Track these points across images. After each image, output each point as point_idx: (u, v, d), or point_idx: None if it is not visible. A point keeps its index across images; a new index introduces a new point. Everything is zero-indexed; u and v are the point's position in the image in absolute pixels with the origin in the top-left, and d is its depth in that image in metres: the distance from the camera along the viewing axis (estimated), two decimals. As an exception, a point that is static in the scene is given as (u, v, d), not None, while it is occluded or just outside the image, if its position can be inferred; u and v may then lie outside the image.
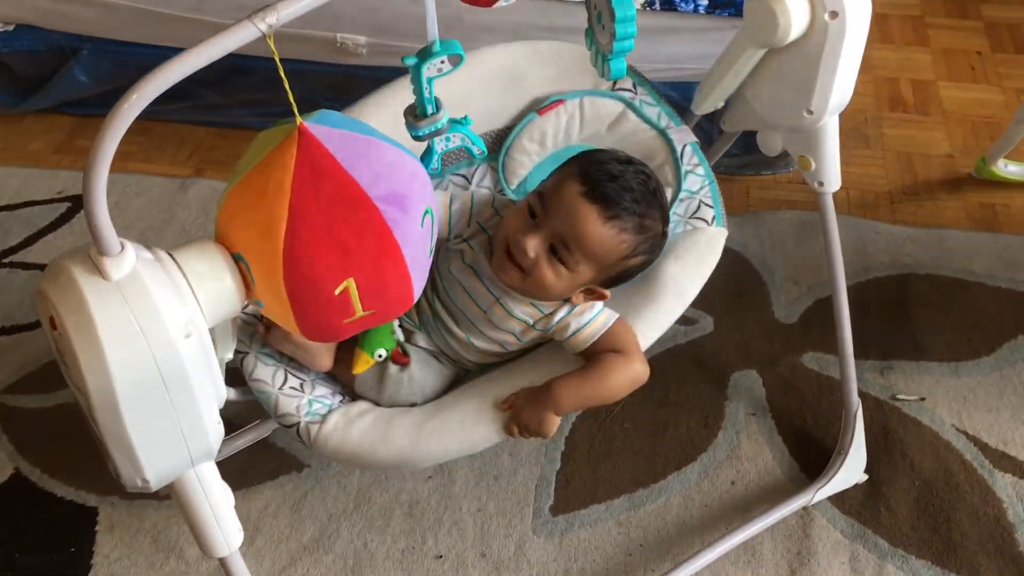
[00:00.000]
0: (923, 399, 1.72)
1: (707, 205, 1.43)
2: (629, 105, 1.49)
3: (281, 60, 2.27)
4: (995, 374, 1.76)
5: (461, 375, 1.37)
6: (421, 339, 1.34)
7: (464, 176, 1.47)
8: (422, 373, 1.30)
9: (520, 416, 1.22)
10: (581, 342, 1.26)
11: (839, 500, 1.58)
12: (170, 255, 0.96)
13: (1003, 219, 2.07)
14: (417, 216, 1.00)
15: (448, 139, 1.09)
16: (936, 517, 1.56)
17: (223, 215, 1.01)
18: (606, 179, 1.25)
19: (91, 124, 2.32)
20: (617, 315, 1.28)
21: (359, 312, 1.01)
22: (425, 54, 1.01)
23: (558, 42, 1.51)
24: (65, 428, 1.69)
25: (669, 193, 1.42)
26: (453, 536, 1.55)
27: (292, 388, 1.28)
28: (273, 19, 0.87)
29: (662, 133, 1.47)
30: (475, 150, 1.11)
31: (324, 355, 1.29)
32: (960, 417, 1.69)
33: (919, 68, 2.47)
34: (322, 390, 1.31)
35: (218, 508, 1.06)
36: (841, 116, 1.39)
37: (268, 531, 1.55)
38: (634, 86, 1.51)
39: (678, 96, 2.09)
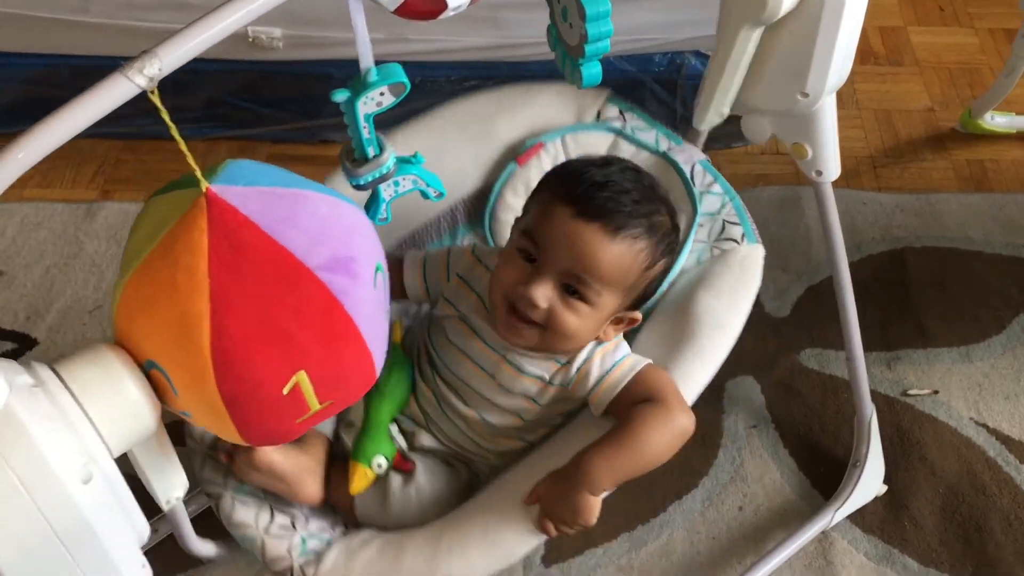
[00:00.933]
0: (936, 392, 1.57)
1: (732, 224, 1.22)
2: (619, 133, 1.28)
3: (191, 60, 1.99)
4: (1008, 355, 1.62)
5: (476, 481, 1.14)
6: (426, 439, 1.12)
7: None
8: (430, 482, 1.08)
9: (552, 508, 0.99)
10: (606, 393, 1.04)
11: (859, 517, 1.43)
12: (53, 371, 0.75)
13: (993, 176, 1.92)
14: (368, 278, 0.79)
15: (397, 183, 0.87)
16: (966, 527, 1.41)
17: (121, 314, 0.79)
18: (595, 190, 1.05)
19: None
20: (648, 360, 1.07)
21: (314, 407, 0.80)
22: (359, 86, 0.79)
23: (523, 84, 1.30)
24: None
25: (684, 221, 1.21)
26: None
27: (281, 527, 1.05)
28: (155, 69, 0.65)
29: (664, 157, 1.26)
30: (431, 192, 0.90)
31: (308, 482, 1.07)
32: (978, 408, 1.54)
33: (885, 14, 2.29)
34: (317, 523, 1.07)
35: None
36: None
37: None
38: (621, 113, 1.30)
39: (636, 69, 1.91)
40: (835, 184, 1.88)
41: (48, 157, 2.09)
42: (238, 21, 0.67)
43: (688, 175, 1.24)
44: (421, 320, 1.25)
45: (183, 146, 0.71)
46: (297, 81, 1.91)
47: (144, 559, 0.82)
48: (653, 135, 1.29)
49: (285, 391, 0.77)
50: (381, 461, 1.07)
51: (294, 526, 1.06)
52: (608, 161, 1.14)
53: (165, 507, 0.90)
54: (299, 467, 1.06)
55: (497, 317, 1.06)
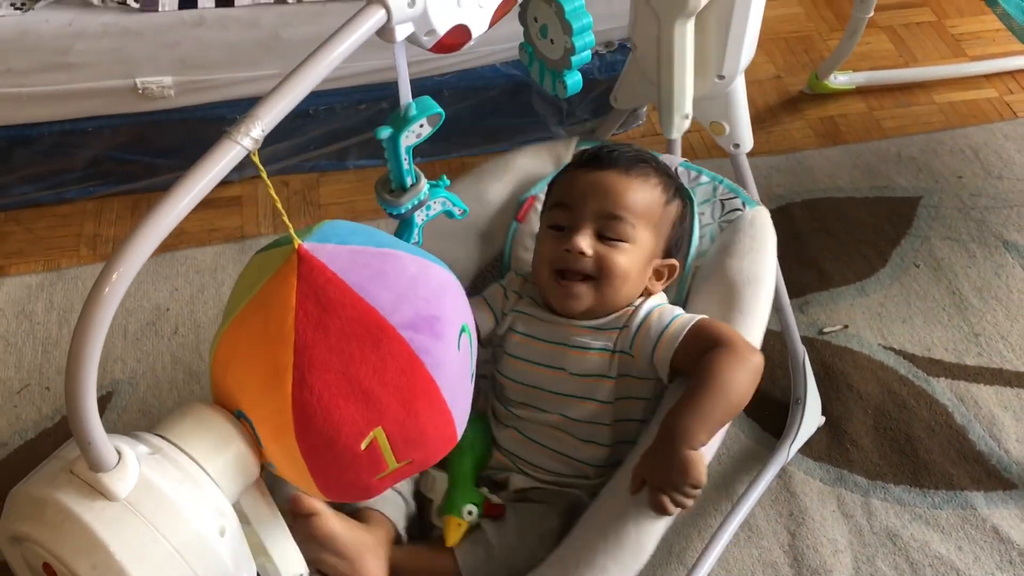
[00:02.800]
0: (846, 327, 1.74)
1: (730, 199, 1.30)
2: None
3: (74, 120, 1.95)
4: (896, 284, 1.81)
5: (581, 505, 1.09)
6: (519, 480, 1.13)
7: None
8: (528, 520, 1.08)
9: (659, 480, 0.97)
10: (667, 347, 1.07)
11: (808, 449, 1.59)
12: (165, 439, 0.77)
13: (845, 129, 2.13)
14: (452, 339, 0.82)
15: (429, 208, 0.93)
16: (898, 439, 1.59)
17: (217, 364, 0.81)
18: (601, 152, 1.20)
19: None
20: (702, 315, 1.12)
21: (392, 465, 0.81)
22: (400, 122, 0.84)
23: (497, 158, 1.35)
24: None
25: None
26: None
27: None
28: (258, 131, 0.68)
29: None
30: (456, 212, 0.96)
31: (370, 560, 1.01)
32: (883, 335, 1.73)
33: (717, -6, 2.48)
34: None
35: None
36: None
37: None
38: (577, 145, 1.37)
39: (523, 74, 2.00)
40: (713, 155, 2.06)
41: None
42: (321, 73, 0.71)
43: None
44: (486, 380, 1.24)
45: (277, 202, 0.73)
46: (188, 127, 1.89)
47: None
48: None
49: (362, 446, 0.78)
50: (471, 509, 1.07)
51: None
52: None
53: None
54: (361, 543, 1.01)
55: (549, 291, 1.12)
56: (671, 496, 0.96)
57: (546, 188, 1.25)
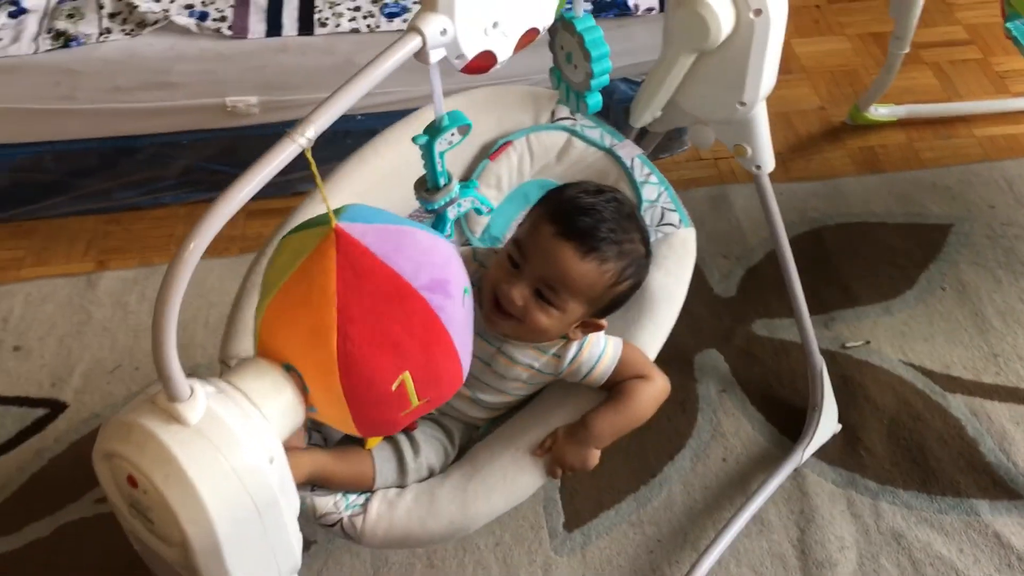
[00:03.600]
0: (868, 342, 1.85)
1: (670, 210, 1.47)
2: (572, 132, 1.52)
3: (171, 133, 2.19)
4: (920, 305, 1.91)
5: (472, 433, 1.34)
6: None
7: None
8: (434, 448, 1.28)
9: (563, 457, 1.23)
10: (598, 379, 1.27)
11: (822, 453, 1.69)
12: (229, 383, 0.94)
13: (883, 159, 2.24)
14: (459, 298, 0.99)
15: (460, 205, 1.09)
16: (910, 448, 1.69)
17: (265, 329, 0.98)
18: (578, 214, 1.21)
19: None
20: (621, 341, 1.29)
21: (415, 403, 0.99)
22: (434, 130, 1.01)
23: (492, 87, 1.52)
24: (42, 564, 1.61)
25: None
26: (479, 575, 1.56)
27: (323, 489, 1.23)
28: (312, 132, 0.85)
29: (609, 152, 1.51)
30: (484, 209, 1.12)
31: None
32: (904, 351, 1.83)
33: (770, 30, 2.61)
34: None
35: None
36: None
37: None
38: (572, 113, 1.54)
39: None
40: (751, 181, 2.18)
41: (39, 238, 2.26)
42: (365, 87, 0.87)
43: (630, 167, 1.48)
44: None
45: (323, 192, 0.90)
46: (270, 142, 2.07)
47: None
48: (599, 132, 1.53)
49: (393, 387, 0.95)
50: None
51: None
52: (600, 190, 1.28)
53: None
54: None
55: (484, 308, 1.24)
56: (565, 469, 1.24)
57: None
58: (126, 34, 1.93)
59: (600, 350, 1.27)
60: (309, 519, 1.23)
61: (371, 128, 1.49)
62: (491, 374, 1.29)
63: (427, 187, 1.07)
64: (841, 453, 1.69)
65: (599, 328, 1.28)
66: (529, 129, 1.52)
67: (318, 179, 0.91)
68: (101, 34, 1.93)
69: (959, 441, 1.69)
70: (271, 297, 0.98)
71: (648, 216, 1.47)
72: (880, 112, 2.28)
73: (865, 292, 1.94)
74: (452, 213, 1.09)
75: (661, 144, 2.29)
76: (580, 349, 1.27)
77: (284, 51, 1.95)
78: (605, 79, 1.15)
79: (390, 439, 1.29)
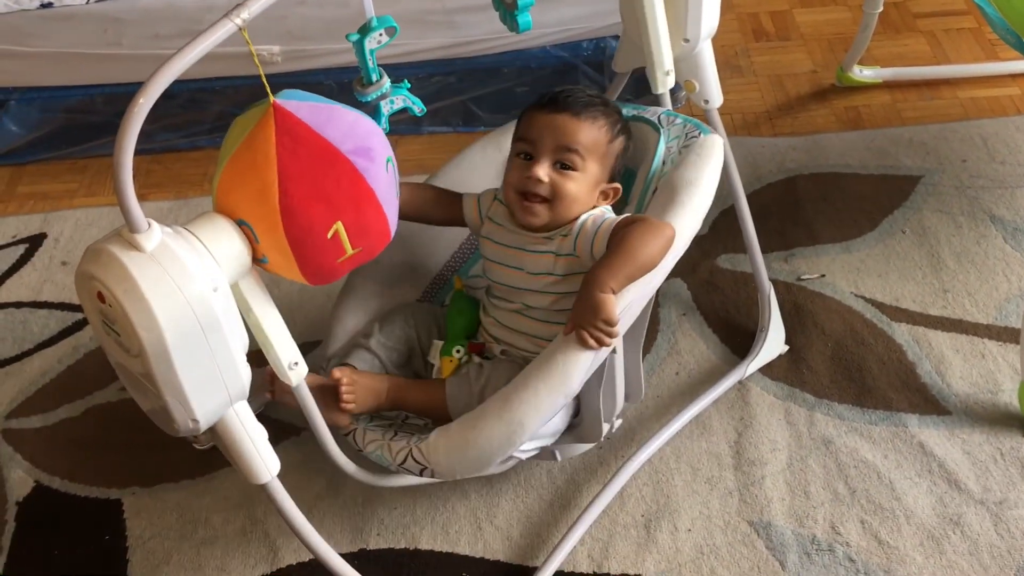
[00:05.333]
0: (823, 276, 1.98)
1: (693, 133, 1.56)
2: None
3: (202, 79, 2.43)
4: (880, 245, 2.04)
5: None
6: (495, 349, 1.52)
7: None
8: (501, 373, 1.42)
9: (578, 319, 1.29)
10: (603, 238, 1.36)
11: (768, 370, 1.83)
12: (186, 228, 1.15)
13: (866, 117, 2.36)
14: (382, 163, 1.20)
15: (392, 101, 1.29)
16: (850, 368, 1.82)
17: (220, 191, 1.19)
18: (558, 95, 1.46)
19: (27, 171, 2.45)
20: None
21: (349, 251, 1.19)
22: (365, 29, 1.21)
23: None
24: (72, 438, 1.85)
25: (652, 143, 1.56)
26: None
27: (400, 435, 1.41)
28: (246, 14, 1.06)
29: (634, 118, 1.61)
30: (415, 109, 1.32)
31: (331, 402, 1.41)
32: (857, 285, 1.96)
33: (774, 1, 2.75)
34: (426, 433, 1.39)
35: (257, 440, 1.25)
36: (714, 50, 1.61)
37: (281, 488, 1.72)
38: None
39: (569, 55, 2.33)
40: (739, 134, 2.35)
41: (90, 173, 2.54)
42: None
43: (657, 123, 1.59)
44: (477, 277, 1.67)
45: (260, 70, 1.11)
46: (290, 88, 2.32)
47: (247, 362, 1.21)
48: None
49: (329, 235, 1.16)
50: (459, 348, 1.49)
51: (411, 435, 1.40)
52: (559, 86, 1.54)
53: (292, 378, 1.24)
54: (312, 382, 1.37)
55: (515, 208, 1.45)
56: (589, 332, 1.29)
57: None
58: (165, -13, 2.18)
59: (605, 217, 1.42)
60: (391, 464, 1.39)
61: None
62: (525, 276, 1.47)
63: (362, 82, 1.26)
64: (785, 370, 1.83)
65: (616, 192, 1.49)
66: None
67: (255, 58, 1.11)
68: (144, -13, 2.19)
69: (898, 364, 1.82)
70: (224, 164, 1.19)
71: (675, 144, 1.57)
72: (865, 74, 2.40)
73: (828, 233, 2.07)
74: (386, 108, 1.29)
75: (653, 101, 2.45)
76: (585, 220, 1.43)
77: (303, 3, 2.18)
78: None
79: (462, 375, 1.47)
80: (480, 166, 1.69)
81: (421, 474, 1.38)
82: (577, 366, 1.31)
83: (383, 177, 1.20)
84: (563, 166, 1.43)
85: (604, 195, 1.49)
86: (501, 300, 1.52)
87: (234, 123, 1.22)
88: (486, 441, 1.32)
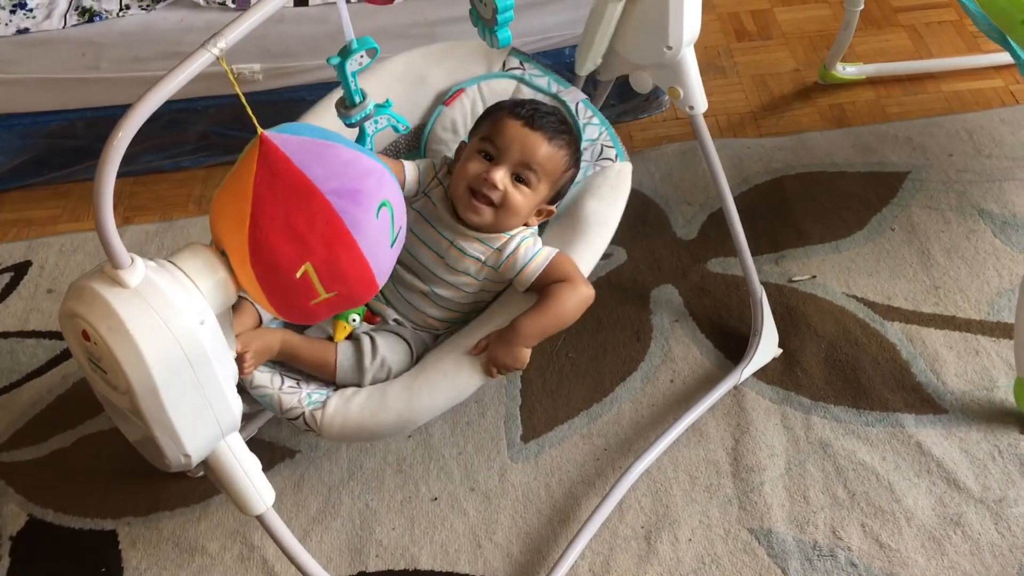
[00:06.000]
0: (814, 277, 1.98)
1: (608, 147, 1.63)
2: (521, 80, 1.69)
3: (185, 99, 2.40)
4: (869, 243, 2.03)
5: (429, 343, 1.55)
6: (390, 314, 1.54)
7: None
8: (392, 352, 1.48)
9: (495, 358, 1.41)
10: (528, 276, 1.45)
11: (762, 374, 1.83)
12: (170, 261, 1.13)
13: (851, 115, 2.35)
14: (370, 208, 1.13)
15: (376, 122, 1.28)
16: (844, 369, 1.81)
17: (212, 217, 1.17)
18: (534, 112, 1.50)
19: (10, 198, 2.43)
20: (556, 250, 1.48)
21: (323, 294, 1.14)
22: (346, 52, 1.20)
23: (448, 41, 1.71)
24: (64, 469, 1.83)
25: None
26: (442, 480, 1.73)
27: (290, 387, 1.44)
28: (223, 43, 1.04)
29: (555, 97, 1.67)
30: (400, 127, 1.31)
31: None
32: (848, 285, 1.95)
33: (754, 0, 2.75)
34: (315, 385, 1.46)
35: (250, 471, 1.23)
36: (696, 52, 1.60)
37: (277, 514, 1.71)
38: (521, 64, 1.71)
39: (551, 62, 2.32)
40: (725, 135, 2.34)
41: (73, 198, 2.51)
42: (272, 8, 1.06)
43: (574, 111, 1.65)
44: None
45: (243, 98, 1.09)
46: (276, 107, 2.29)
47: (237, 394, 1.20)
48: (546, 80, 1.70)
49: (298, 275, 1.12)
50: (355, 316, 1.50)
51: (299, 386, 1.44)
52: (534, 101, 1.59)
53: None
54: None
55: (459, 202, 1.47)
56: (498, 368, 1.41)
57: (478, 118, 1.57)
58: (143, 9, 2.16)
59: (535, 250, 1.47)
60: (277, 413, 1.43)
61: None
62: (444, 267, 1.50)
63: (344, 104, 1.25)
64: (780, 374, 1.82)
65: (551, 214, 1.54)
66: (481, 77, 1.69)
67: (236, 87, 1.10)
68: (121, 10, 2.17)
69: (892, 363, 1.81)
70: (218, 190, 1.17)
71: (588, 152, 1.64)
72: (848, 71, 2.40)
73: (817, 232, 2.06)
74: (370, 128, 1.28)
75: (639, 105, 2.45)
76: (518, 246, 1.48)
77: (282, 21, 2.16)
78: (510, 15, 1.32)
79: (354, 339, 1.50)
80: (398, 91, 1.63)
81: (305, 431, 1.43)
82: (473, 385, 1.43)
83: (369, 222, 1.14)
84: (519, 179, 1.48)
85: (539, 213, 1.53)
86: (411, 275, 1.54)
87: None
88: (382, 429, 1.41)
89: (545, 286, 1.45)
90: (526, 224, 1.51)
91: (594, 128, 1.67)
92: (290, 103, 2.28)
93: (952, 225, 2.04)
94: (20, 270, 2.23)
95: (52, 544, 1.72)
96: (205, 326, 1.11)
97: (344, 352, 1.48)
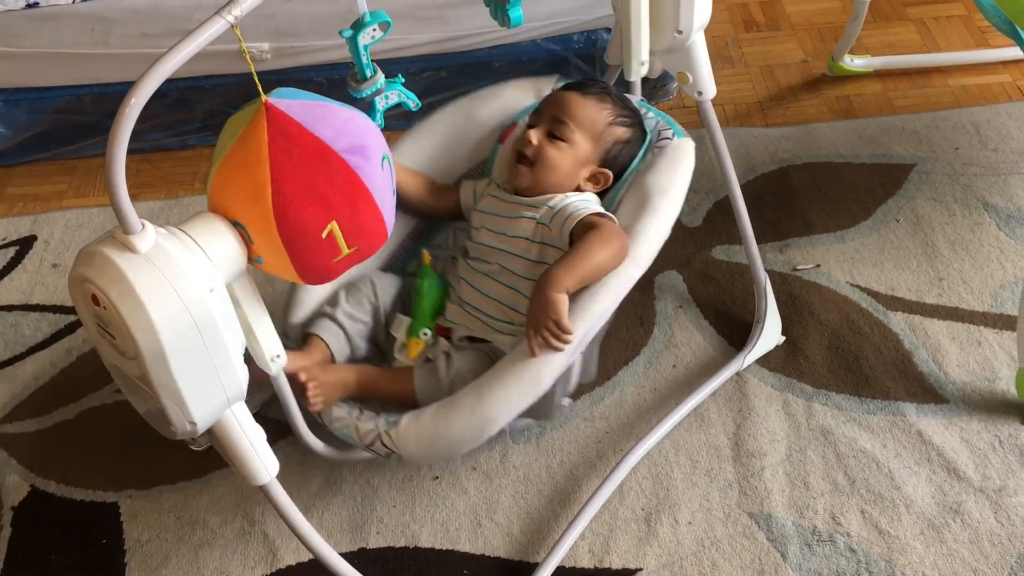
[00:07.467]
0: (818, 266, 1.98)
1: (666, 130, 1.61)
2: None
3: (192, 77, 2.41)
4: (874, 234, 2.04)
5: (499, 355, 1.48)
6: (461, 332, 1.54)
7: None
8: (466, 362, 1.47)
9: (532, 320, 1.34)
10: (568, 223, 1.44)
11: (765, 361, 1.83)
12: (180, 228, 1.13)
13: (858, 106, 2.36)
14: (377, 162, 1.17)
15: (387, 97, 1.28)
16: (847, 358, 1.82)
17: (214, 191, 1.17)
18: (578, 81, 1.58)
19: (17, 172, 2.43)
20: (602, 211, 1.48)
21: (344, 250, 1.17)
22: (358, 25, 1.20)
23: (489, 87, 1.72)
24: (67, 442, 1.83)
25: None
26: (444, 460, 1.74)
27: (367, 416, 1.43)
28: (238, 11, 1.04)
29: None
30: (411, 103, 1.31)
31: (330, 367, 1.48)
32: (852, 275, 1.96)
33: (764, -10, 2.75)
34: (393, 411, 1.43)
35: (255, 441, 1.24)
36: (705, 41, 1.60)
37: (279, 488, 1.71)
38: (557, 81, 1.70)
39: (560, 48, 2.32)
40: (731, 125, 2.34)
41: (79, 174, 2.52)
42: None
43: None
44: (443, 249, 1.70)
45: (251, 65, 1.09)
46: (283, 86, 2.30)
47: (244, 364, 1.20)
48: None
49: (323, 235, 1.14)
50: (426, 331, 1.50)
51: (378, 414, 1.43)
52: None
53: (272, 368, 1.25)
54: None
55: (509, 171, 1.53)
56: (541, 336, 1.33)
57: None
58: (152, -15, 2.16)
59: (582, 205, 1.48)
60: (356, 443, 1.43)
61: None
62: (505, 239, 1.52)
63: (356, 78, 1.25)
64: (782, 361, 1.83)
65: (606, 178, 1.54)
66: (530, 106, 1.67)
67: (247, 56, 1.10)
68: (131, -15, 2.17)
69: (895, 353, 1.81)
70: (217, 165, 1.17)
71: (648, 141, 1.62)
72: (856, 63, 2.40)
73: (822, 221, 2.07)
74: (380, 103, 1.28)
75: (647, 94, 2.44)
76: (568, 203, 1.49)
77: (292, 0, 2.16)
78: (522, -8, 1.32)
79: (429, 360, 1.50)
80: (448, 134, 1.69)
81: (388, 457, 1.41)
82: (550, 368, 1.36)
83: (378, 175, 1.18)
84: (554, 136, 1.50)
85: (594, 179, 1.54)
86: (478, 261, 1.55)
87: (227, 123, 1.20)
88: (457, 434, 1.36)
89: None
90: (579, 189, 1.52)
91: (652, 120, 1.65)
92: (299, 83, 2.26)
93: (957, 217, 2.04)
94: (25, 244, 2.23)
95: (54, 515, 1.72)
96: (215, 294, 1.11)
97: (420, 374, 1.48)
